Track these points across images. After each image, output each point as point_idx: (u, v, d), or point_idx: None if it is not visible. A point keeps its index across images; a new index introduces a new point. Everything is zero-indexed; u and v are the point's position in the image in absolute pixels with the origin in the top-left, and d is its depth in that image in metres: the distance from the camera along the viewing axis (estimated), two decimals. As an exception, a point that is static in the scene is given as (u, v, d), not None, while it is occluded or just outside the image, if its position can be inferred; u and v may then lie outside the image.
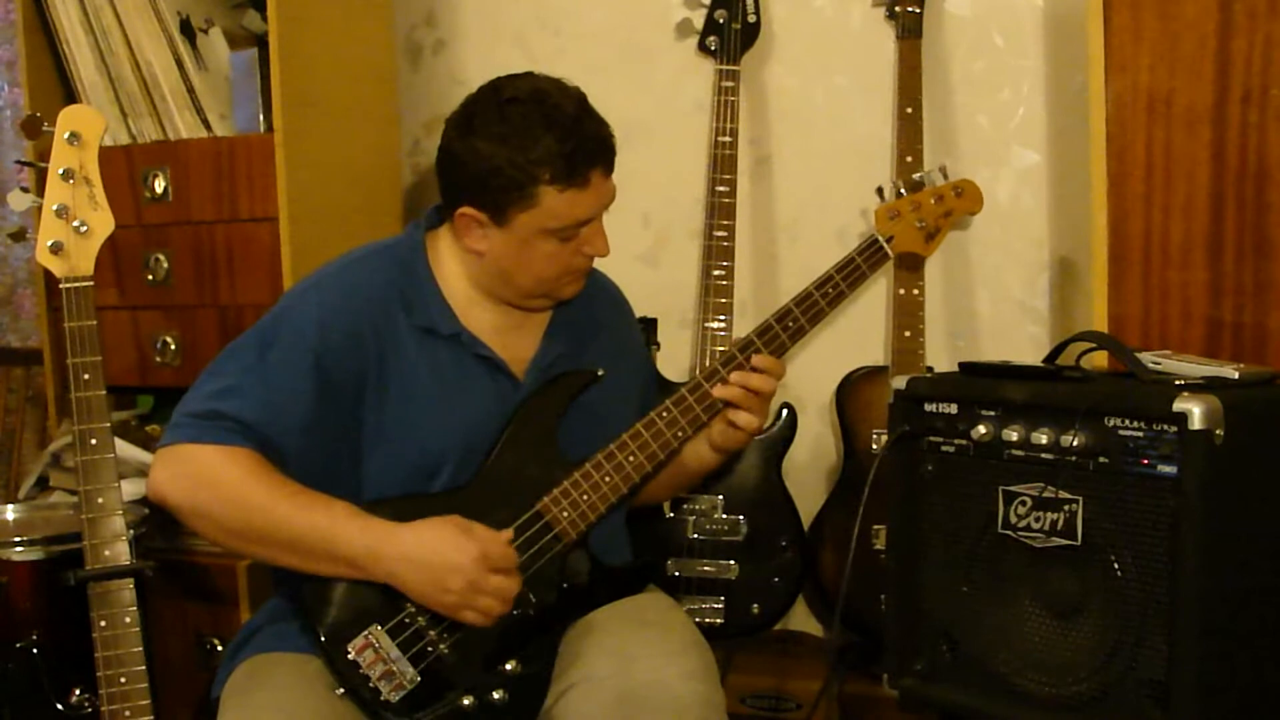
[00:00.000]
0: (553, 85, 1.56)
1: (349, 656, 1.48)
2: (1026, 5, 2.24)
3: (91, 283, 1.58)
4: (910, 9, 2.22)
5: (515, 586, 1.52)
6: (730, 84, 2.26)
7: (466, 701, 1.51)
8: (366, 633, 1.49)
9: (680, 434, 1.65)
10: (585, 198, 1.55)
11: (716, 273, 2.21)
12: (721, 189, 2.23)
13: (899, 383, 1.66)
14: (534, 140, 1.50)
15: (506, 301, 1.64)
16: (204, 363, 1.60)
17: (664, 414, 1.65)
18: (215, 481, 1.48)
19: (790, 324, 1.72)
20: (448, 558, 1.47)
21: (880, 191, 1.92)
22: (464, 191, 1.56)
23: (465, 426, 1.58)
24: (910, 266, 2.15)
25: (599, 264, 1.72)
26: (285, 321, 1.56)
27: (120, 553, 1.55)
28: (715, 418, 1.68)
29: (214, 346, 2.16)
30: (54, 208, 1.57)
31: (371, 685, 1.48)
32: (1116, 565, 1.42)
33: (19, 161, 1.93)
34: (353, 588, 1.50)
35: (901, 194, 1.88)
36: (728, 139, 2.23)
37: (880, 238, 1.82)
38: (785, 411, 2.19)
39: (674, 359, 2.36)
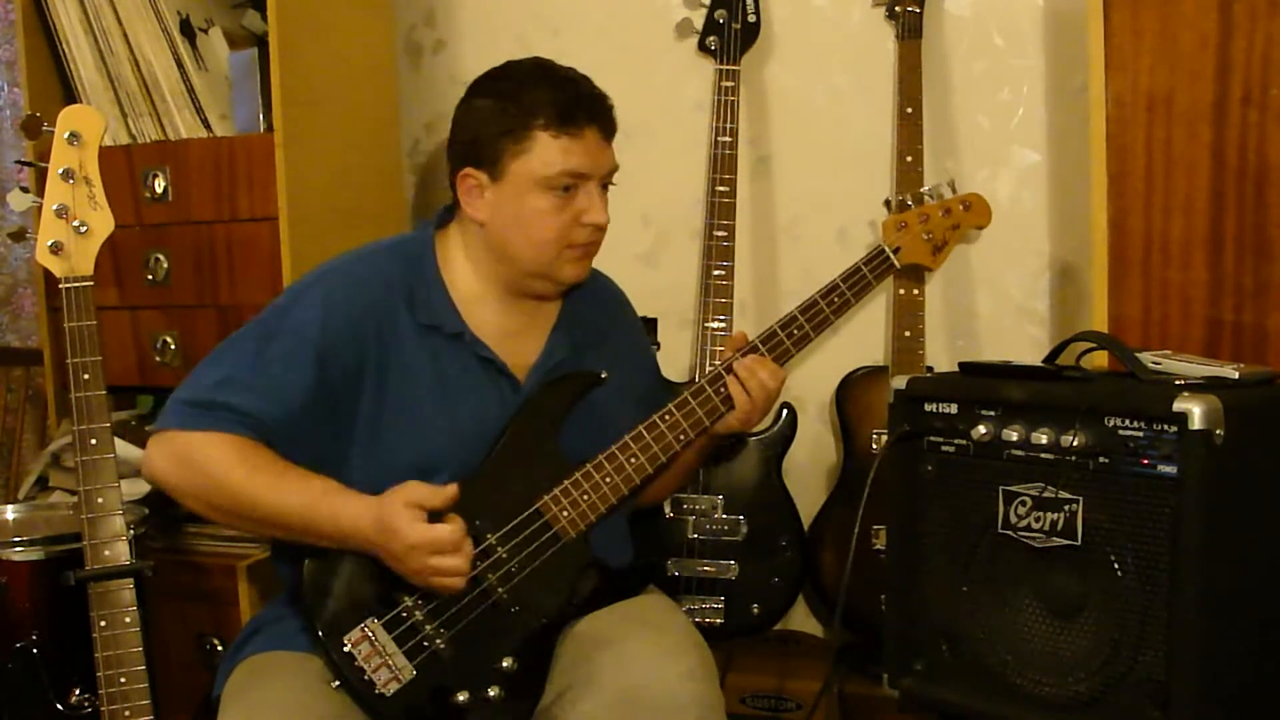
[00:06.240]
0: (556, 63, 1.63)
1: (345, 649, 1.48)
2: (1026, 5, 2.24)
3: (91, 283, 1.58)
4: (910, 9, 2.22)
5: (442, 561, 1.46)
6: (730, 84, 2.26)
7: (462, 697, 1.51)
8: (363, 625, 1.49)
9: (682, 437, 1.65)
10: (579, 148, 1.56)
11: (716, 273, 2.21)
12: (721, 189, 2.23)
13: (899, 383, 1.66)
14: (530, 89, 1.56)
15: (511, 287, 1.64)
16: (204, 363, 1.60)
17: (666, 416, 1.65)
18: (199, 466, 1.49)
19: (795, 331, 1.73)
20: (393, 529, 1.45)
21: (888, 203, 1.94)
22: (464, 155, 1.60)
23: (463, 427, 1.58)
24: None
25: (601, 264, 1.73)
26: (288, 315, 1.56)
27: (120, 553, 1.55)
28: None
29: (214, 347, 2.16)
30: (54, 208, 1.57)
31: (366, 678, 1.47)
32: (1116, 565, 1.42)
33: (19, 161, 1.93)
34: (351, 581, 1.50)
35: (909, 206, 1.89)
36: (728, 139, 2.23)
37: (887, 248, 1.83)
38: (785, 411, 2.19)
39: (674, 359, 2.36)
